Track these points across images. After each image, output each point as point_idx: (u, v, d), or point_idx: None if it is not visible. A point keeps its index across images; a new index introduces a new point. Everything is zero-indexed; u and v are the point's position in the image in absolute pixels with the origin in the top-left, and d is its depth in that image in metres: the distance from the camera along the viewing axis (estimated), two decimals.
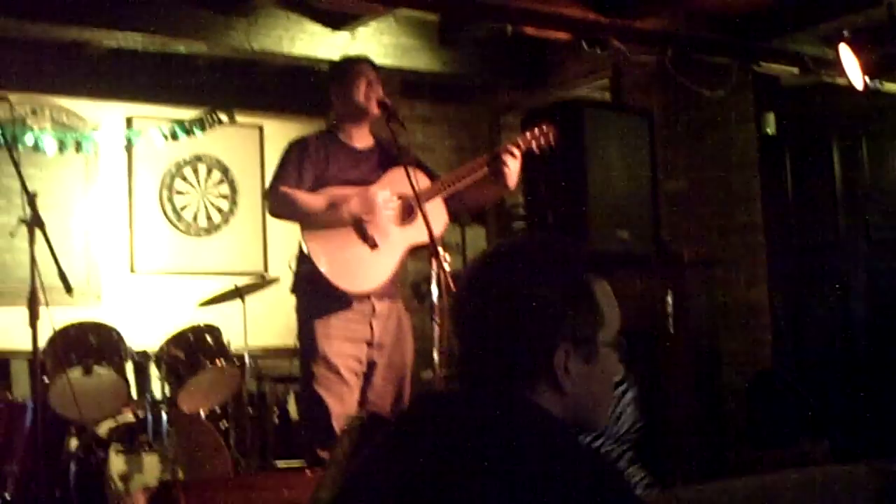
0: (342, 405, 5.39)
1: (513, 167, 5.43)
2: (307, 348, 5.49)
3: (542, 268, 2.10)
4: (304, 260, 5.47)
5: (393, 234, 5.46)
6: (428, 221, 4.94)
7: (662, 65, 7.94)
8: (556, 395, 2.05)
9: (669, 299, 6.93)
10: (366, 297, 5.47)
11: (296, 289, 5.59)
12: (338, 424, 5.31)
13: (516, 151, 5.45)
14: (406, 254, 5.54)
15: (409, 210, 5.48)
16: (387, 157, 5.63)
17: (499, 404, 2.02)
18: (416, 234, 5.41)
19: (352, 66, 5.70)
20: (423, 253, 5.45)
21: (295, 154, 5.58)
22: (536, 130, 5.57)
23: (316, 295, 5.44)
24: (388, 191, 5.46)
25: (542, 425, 2.00)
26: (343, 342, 5.45)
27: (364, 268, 5.43)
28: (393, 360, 5.61)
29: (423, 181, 5.47)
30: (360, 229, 5.39)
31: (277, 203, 5.51)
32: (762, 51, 8.05)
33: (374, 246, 5.40)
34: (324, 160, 5.55)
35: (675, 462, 6.90)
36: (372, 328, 5.52)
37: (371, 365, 5.56)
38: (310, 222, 5.46)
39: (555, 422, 2.02)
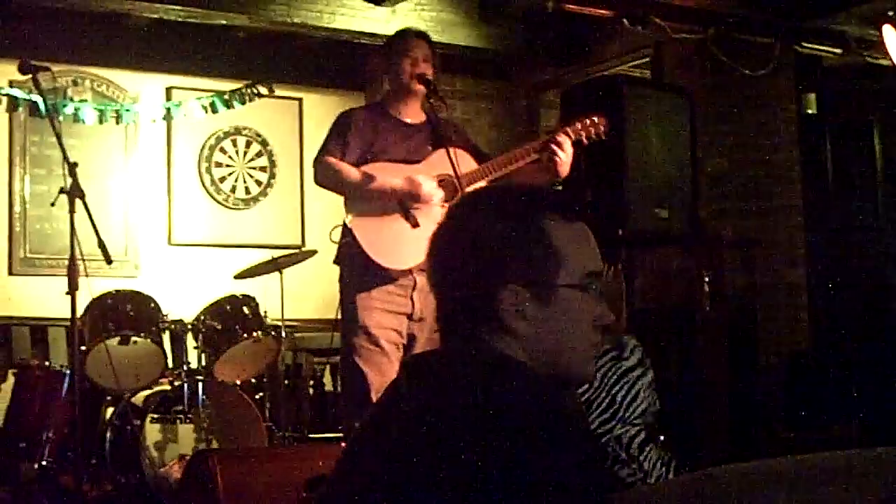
0: (381, 377, 5.38)
1: (564, 156, 5.41)
2: (348, 320, 5.47)
3: (492, 211, 2.09)
4: (346, 233, 5.47)
5: (435, 213, 5.43)
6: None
7: (704, 43, 7.91)
8: (513, 340, 2.03)
9: (707, 279, 6.91)
10: (408, 270, 5.46)
11: (338, 261, 5.59)
12: (376, 397, 5.31)
13: (568, 141, 5.42)
14: None
15: (453, 190, 5.46)
16: (437, 133, 5.61)
17: (461, 352, 2.05)
18: None
19: (400, 41, 5.68)
20: None
21: (343, 124, 5.56)
22: (588, 121, 5.54)
23: (358, 267, 5.42)
24: (435, 183, 5.45)
25: (494, 369, 1.99)
26: (384, 314, 5.43)
27: (404, 245, 5.41)
28: (434, 334, 5.58)
29: (470, 163, 5.47)
30: (403, 207, 5.39)
31: (321, 172, 5.51)
32: (804, 31, 8.01)
33: (415, 225, 5.39)
34: (371, 133, 5.54)
35: (709, 442, 6.89)
36: (413, 301, 5.48)
37: (411, 338, 5.53)
38: (352, 195, 5.46)
39: (510, 365, 2.01)
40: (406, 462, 1.89)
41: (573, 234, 2.08)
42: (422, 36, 5.73)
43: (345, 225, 5.48)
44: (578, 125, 5.50)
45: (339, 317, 5.59)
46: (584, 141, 5.50)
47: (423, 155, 5.55)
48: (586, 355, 2.12)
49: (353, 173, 5.41)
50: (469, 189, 5.15)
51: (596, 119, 5.53)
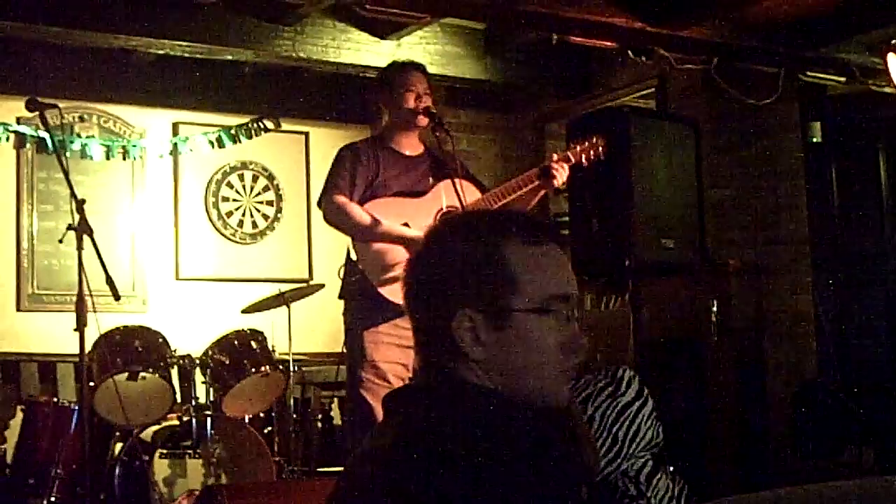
0: None
1: (561, 178, 5.43)
2: (355, 354, 5.48)
3: (451, 237, 2.10)
4: (353, 270, 5.47)
5: None
6: None
7: (708, 74, 7.92)
8: (474, 365, 2.03)
9: (714, 308, 6.91)
10: None
11: (344, 295, 5.59)
12: None
13: (566, 165, 5.44)
14: None
15: None
16: (437, 165, 5.61)
17: (426, 383, 2.11)
18: None
19: (400, 74, 5.68)
20: None
21: (346, 161, 5.57)
22: (587, 143, 5.55)
23: (365, 302, 5.43)
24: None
25: (451, 398, 2.02)
26: (391, 348, 5.43)
27: None
28: None
29: (473, 193, 5.48)
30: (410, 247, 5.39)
31: (330, 212, 5.51)
32: (808, 60, 8.02)
33: None
34: (374, 167, 5.54)
35: (718, 472, 6.88)
36: None
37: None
38: (360, 238, 5.46)
39: (468, 392, 2.02)
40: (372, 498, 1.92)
41: (535, 257, 2.05)
42: (419, 68, 5.74)
43: (350, 260, 5.49)
44: (578, 148, 5.53)
45: (345, 350, 5.60)
46: (584, 163, 5.51)
47: (425, 186, 5.57)
48: (554, 380, 2.08)
49: (362, 218, 5.41)
50: None
51: (594, 139, 5.55)
